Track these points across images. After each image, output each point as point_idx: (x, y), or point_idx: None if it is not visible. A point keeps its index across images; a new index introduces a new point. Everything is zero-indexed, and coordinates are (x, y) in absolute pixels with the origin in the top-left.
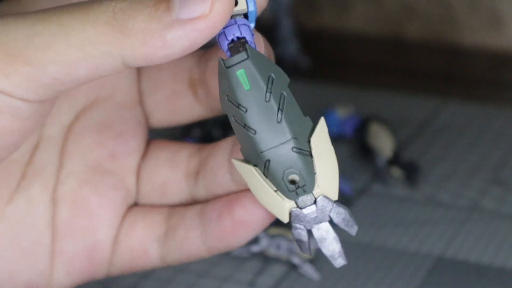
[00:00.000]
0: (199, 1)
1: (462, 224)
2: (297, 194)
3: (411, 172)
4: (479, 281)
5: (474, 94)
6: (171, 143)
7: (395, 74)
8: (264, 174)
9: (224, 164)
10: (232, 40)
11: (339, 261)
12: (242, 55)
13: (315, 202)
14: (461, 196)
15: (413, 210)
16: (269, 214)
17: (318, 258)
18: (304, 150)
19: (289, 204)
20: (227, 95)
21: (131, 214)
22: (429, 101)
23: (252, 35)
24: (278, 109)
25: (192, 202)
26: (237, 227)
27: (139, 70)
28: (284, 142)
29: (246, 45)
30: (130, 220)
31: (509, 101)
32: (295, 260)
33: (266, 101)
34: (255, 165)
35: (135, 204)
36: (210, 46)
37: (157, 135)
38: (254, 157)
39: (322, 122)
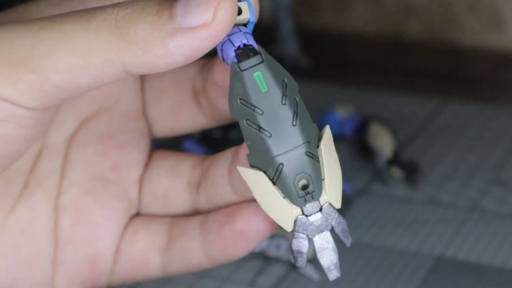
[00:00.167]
0: (202, 9)
1: (462, 224)
2: (305, 200)
3: (411, 172)
4: (479, 281)
5: (474, 94)
6: (174, 153)
7: (395, 74)
8: (273, 180)
9: (224, 175)
10: (239, 46)
11: (334, 273)
12: (257, 58)
13: (320, 210)
14: (461, 196)
15: (413, 210)
16: (270, 225)
17: None
18: (315, 156)
19: (295, 211)
20: (240, 99)
21: (133, 224)
22: (429, 101)
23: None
24: (294, 112)
25: (194, 213)
26: (238, 238)
27: (142, 80)
28: (298, 146)
29: (260, 49)
30: (131, 230)
31: (509, 101)
32: None
33: (283, 104)
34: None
35: (137, 214)
36: (213, 55)
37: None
38: (265, 162)
39: (328, 130)
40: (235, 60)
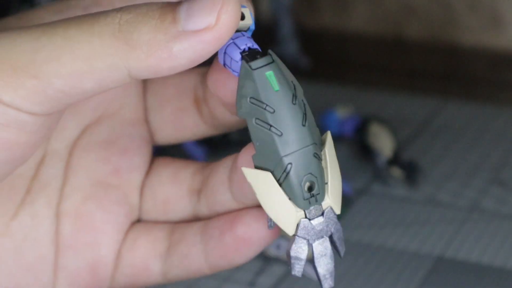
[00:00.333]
0: (205, 12)
1: (462, 224)
2: (309, 203)
3: (411, 172)
4: (479, 281)
5: (474, 94)
6: (175, 160)
7: (395, 74)
8: (279, 180)
9: (224, 182)
10: (244, 49)
11: (329, 282)
12: (267, 58)
13: (322, 214)
14: (461, 196)
15: (413, 210)
16: (271, 232)
17: None
18: (321, 158)
19: (299, 214)
20: (250, 97)
21: (133, 230)
22: (429, 101)
23: None
24: (303, 113)
25: (195, 220)
26: (239, 245)
27: (144, 87)
28: (307, 146)
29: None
30: (132, 236)
31: (509, 101)
32: None
33: (293, 104)
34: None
35: (138, 220)
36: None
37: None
38: (273, 162)
39: (329, 135)
40: (240, 62)
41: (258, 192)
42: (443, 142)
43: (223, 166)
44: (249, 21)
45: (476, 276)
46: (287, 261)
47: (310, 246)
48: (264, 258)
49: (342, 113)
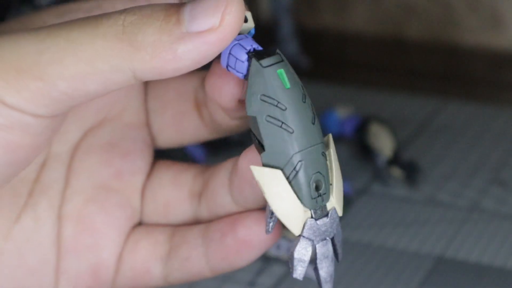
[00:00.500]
0: (209, 13)
1: (462, 224)
2: (316, 202)
3: (411, 172)
4: (479, 281)
5: (474, 94)
6: (176, 163)
7: (395, 74)
8: (289, 178)
9: (225, 185)
10: (250, 50)
11: (329, 286)
12: (277, 57)
13: (326, 215)
14: (461, 196)
15: (413, 210)
16: (272, 234)
17: None
18: (327, 158)
19: (306, 214)
20: (261, 94)
21: (135, 233)
22: (429, 101)
23: None
24: (313, 112)
25: (196, 223)
26: (240, 247)
27: (146, 91)
28: (316, 145)
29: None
30: (133, 239)
31: (509, 101)
32: None
33: (303, 102)
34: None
35: (139, 223)
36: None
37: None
38: (283, 160)
39: (331, 138)
40: (246, 63)
41: (267, 190)
42: (443, 142)
43: (223, 169)
44: (251, 24)
45: (476, 276)
46: (289, 262)
47: (313, 247)
48: (264, 258)
49: (342, 113)
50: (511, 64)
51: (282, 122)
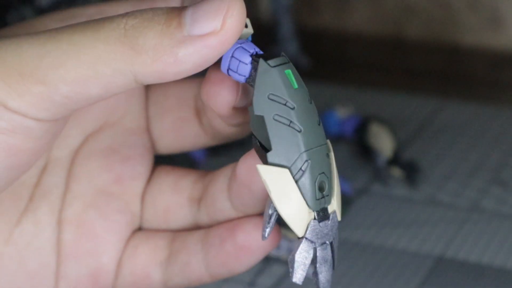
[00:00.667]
0: (210, 17)
1: (462, 224)
2: (320, 203)
3: (411, 172)
4: (479, 281)
5: (474, 94)
6: (176, 169)
7: (395, 74)
8: (295, 178)
9: (224, 190)
10: (252, 53)
11: None
12: (283, 58)
13: (328, 218)
14: (461, 196)
15: (413, 210)
16: (271, 240)
17: None
18: (330, 159)
19: (310, 215)
20: (269, 93)
21: (134, 238)
22: (429, 101)
23: None
24: (318, 113)
25: (195, 228)
26: (240, 253)
27: (147, 97)
28: (321, 145)
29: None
30: (133, 244)
31: (509, 101)
32: None
33: (310, 103)
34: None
35: (139, 228)
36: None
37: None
38: (290, 159)
39: (329, 144)
40: (250, 66)
41: (273, 189)
42: (443, 142)
43: (222, 175)
44: (251, 30)
45: (476, 276)
46: (289, 265)
47: (314, 250)
48: (264, 258)
49: (342, 113)
50: (511, 64)
51: (290, 121)
